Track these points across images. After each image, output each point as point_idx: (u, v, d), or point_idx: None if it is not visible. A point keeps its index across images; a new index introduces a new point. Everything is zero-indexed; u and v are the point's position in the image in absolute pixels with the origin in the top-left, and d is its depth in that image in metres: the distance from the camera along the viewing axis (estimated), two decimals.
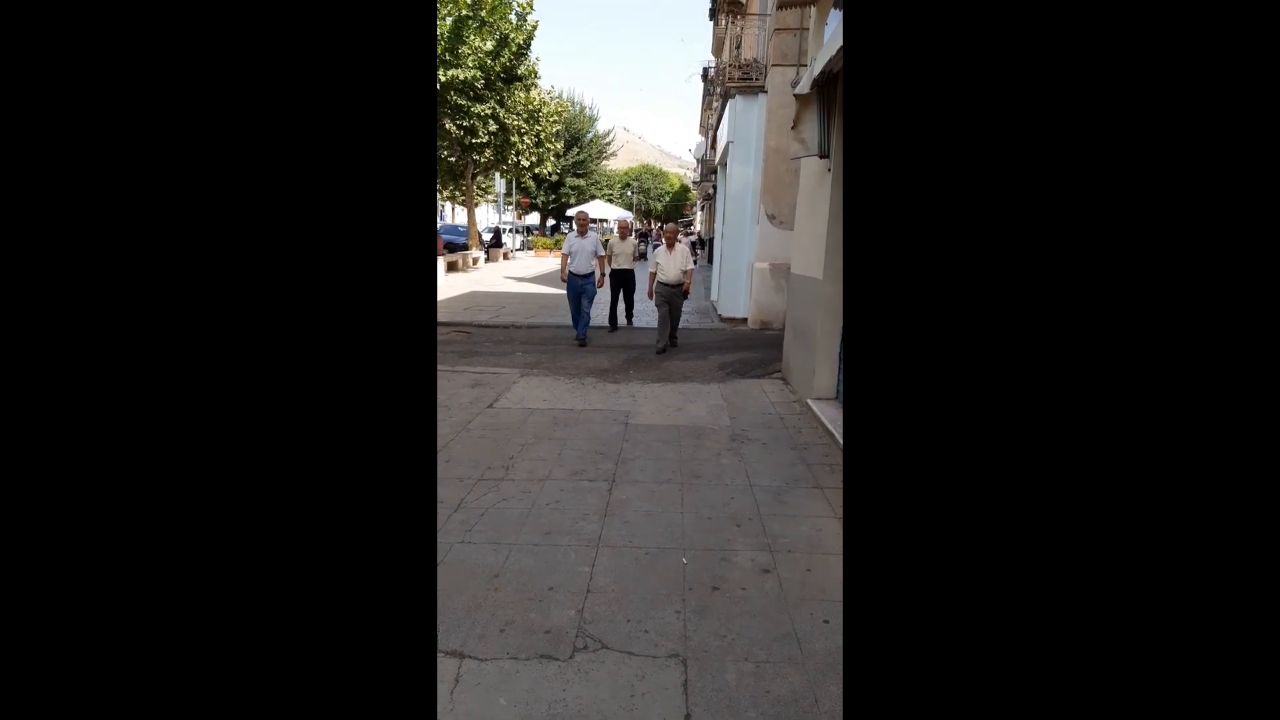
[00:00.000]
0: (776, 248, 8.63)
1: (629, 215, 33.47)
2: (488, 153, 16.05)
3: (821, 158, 4.76)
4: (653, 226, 44.29)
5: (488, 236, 21.62)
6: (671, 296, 7.23)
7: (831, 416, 4.52)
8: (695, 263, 9.82)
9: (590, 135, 32.80)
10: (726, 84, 10.13)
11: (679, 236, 7.87)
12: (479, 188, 22.21)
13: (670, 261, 7.21)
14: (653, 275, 7.31)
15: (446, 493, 3.31)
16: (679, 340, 7.59)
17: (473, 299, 11.62)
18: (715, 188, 15.23)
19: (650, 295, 7.44)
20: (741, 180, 9.49)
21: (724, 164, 11.10)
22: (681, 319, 7.72)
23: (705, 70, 19.05)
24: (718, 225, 12.36)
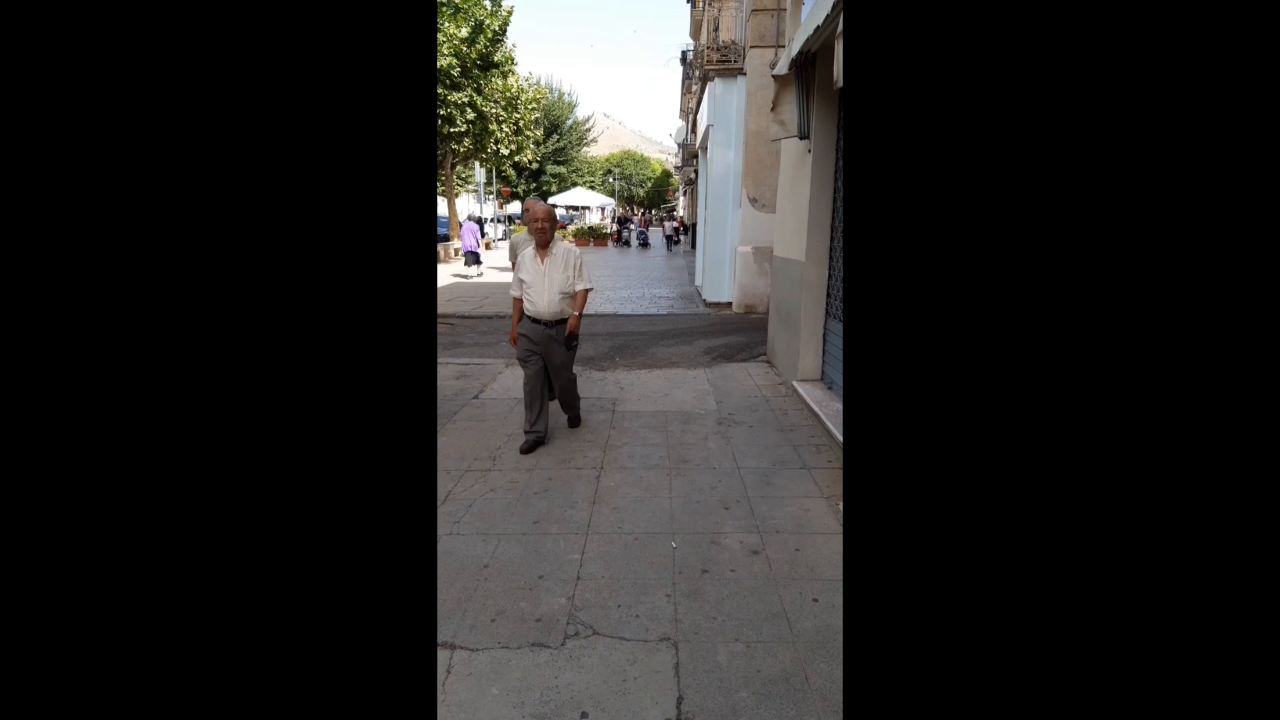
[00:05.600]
0: (759, 231, 8.63)
1: (611, 202, 33.05)
2: (466, 141, 15.85)
3: (801, 139, 4.74)
4: (635, 213, 41.72)
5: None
6: (547, 343, 3.77)
7: (817, 398, 4.55)
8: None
9: (570, 122, 32.55)
10: (705, 67, 10.07)
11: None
12: (459, 177, 21.93)
13: (543, 278, 3.70)
14: (517, 304, 3.85)
15: None
16: (582, 417, 4.29)
17: (455, 290, 11.53)
18: (697, 172, 15.18)
19: (513, 341, 3.91)
20: (722, 164, 9.47)
21: (705, 148, 11.05)
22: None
23: (684, 54, 18.94)
24: (700, 210, 12.33)
